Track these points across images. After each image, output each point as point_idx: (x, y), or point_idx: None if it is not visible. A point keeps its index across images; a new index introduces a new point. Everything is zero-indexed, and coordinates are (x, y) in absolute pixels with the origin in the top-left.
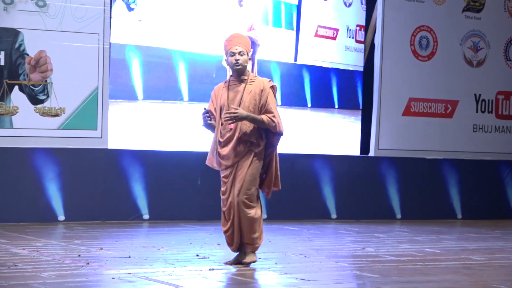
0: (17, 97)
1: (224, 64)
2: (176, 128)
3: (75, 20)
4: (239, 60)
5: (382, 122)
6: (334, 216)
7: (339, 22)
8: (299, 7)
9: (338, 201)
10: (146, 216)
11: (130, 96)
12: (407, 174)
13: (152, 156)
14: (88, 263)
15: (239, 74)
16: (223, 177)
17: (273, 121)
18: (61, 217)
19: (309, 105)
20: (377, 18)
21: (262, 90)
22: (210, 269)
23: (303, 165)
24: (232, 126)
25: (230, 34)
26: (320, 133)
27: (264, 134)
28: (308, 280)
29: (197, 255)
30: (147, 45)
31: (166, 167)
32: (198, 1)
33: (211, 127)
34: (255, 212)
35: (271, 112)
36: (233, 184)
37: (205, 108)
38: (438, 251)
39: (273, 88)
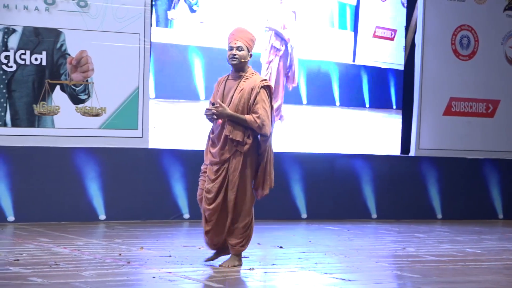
0: (59, 97)
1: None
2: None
3: (116, 20)
4: (235, 55)
5: (423, 122)
6: (374, 216)
7: (397, 22)
8: (357, 8)
9: (378, 201)
10: (186, 216)
11: (193, 96)
12: (448, 174)
13: (192, 155)
14: (128, 262)
15: (237, 69)
16: (202, 173)
17: (256, 122)
18: (102, 216)
19: (367, 105)
20: (418, 17)
21: (252, 89)
22: (250, 269)
23: (344, 165)
24: (220, 122)
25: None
26: (378, 134)
27: (252, 134)
28: (349, 280)
29: None
30: (208, 46)
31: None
32: (257, 2)
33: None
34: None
35: (256, 112)
36: (223, 185)
37: (210, 102)
38: (479, 251)
39: (266, 88)
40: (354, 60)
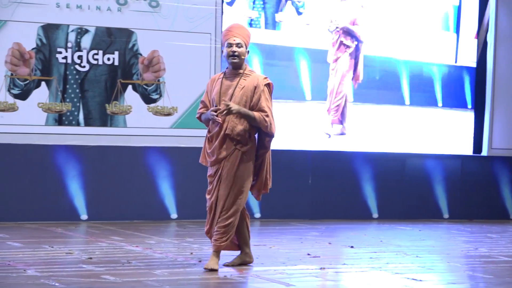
0: (131, 97)
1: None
2: (290, 127)
3: (187, 20)
4: (236, 52)
5: (495, 121)
6: (446, 215)
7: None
8: (459, 8)
9: (450, 201)
10: (257, 215)
11: (299, 96)
12: None
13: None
14: (200, 261)
15: (235, 67)
16: (209, 175)
17: (266, 121)
18: (174, 215)
19: (469, 106)
20: (490, 16)
21: (255, 87)
22: (321, 268)
23: (415, 164)
24: (220, 120)
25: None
26: (450, 133)
27: (254, 134)
28: (420, 280)
29: (308, 254)
30: (314, 48)
31: (277, 165)
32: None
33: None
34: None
35: (264, 111)
36: (219, 185)
37: (202, 102)
38: None
39: (268, 86)
40: (456, 61)
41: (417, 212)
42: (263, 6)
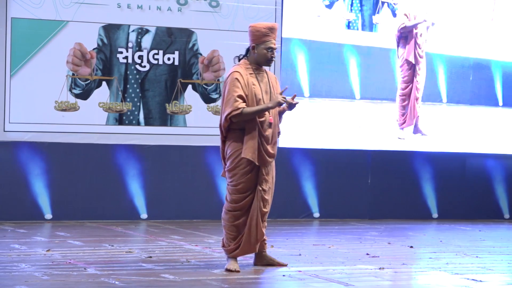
0: (191, 96)
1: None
2: (346, 126)
3: (247, 20)
4: (274, 57)
5: None
6: (507, 216)
7: None
8: None
9: (511, 201)
10: (316, 214)
11: (349, 95)
12: None
13: (322, 154)
14: None
15: (261, 65)
16: (244, 173)
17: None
18: None
19: (500, 103)
20: None
21: (276, 82)
22: (380, 268)
23: (475, 164)
24: (272, 120)
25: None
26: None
27: None
28: (480, 281)
29: (367, 254)
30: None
31: (336, 165)
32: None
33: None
34: None
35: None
36: (261, 186)
37: (240, 96)
38: None
39: None
40: None
41: (477, 212)
42: (360, 8)
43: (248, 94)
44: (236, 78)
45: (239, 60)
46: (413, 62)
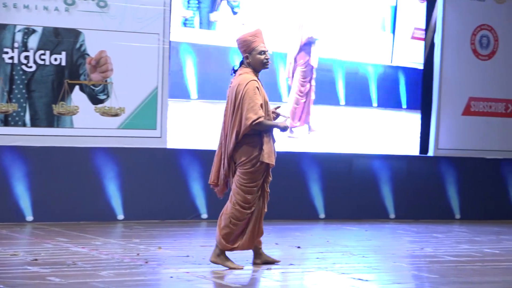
0: (78, 97)
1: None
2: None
3: (135, 20)
4: (268, 58)
5: (442, 122)
6: (392, 216)
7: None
8: (395, 9)
9: (396, 201)
10: (204, 216)
11: (186, 95)
12: (467, 174)
13: (211, 155)
14: (146, 262)
15: (259, 71)
16: (261, 176)
17: None
18: (120, 216)
19: (404, 106)
20: (437, 17)
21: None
22: (267, 269)
23: (362, 164)
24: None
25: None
26: (397, 134)
27: None
28: (366, 280)
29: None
30: None
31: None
32: (297, 3)
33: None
34: None
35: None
36: (263, 192)
37: (267, 104)
38: (498, 251)
39: None
40: (391, 61)
41: (363, 212)
42: (198, 5)
43: (263, 102)
44: (257, 87)
45: (235, 72)
46: (315, 66)
